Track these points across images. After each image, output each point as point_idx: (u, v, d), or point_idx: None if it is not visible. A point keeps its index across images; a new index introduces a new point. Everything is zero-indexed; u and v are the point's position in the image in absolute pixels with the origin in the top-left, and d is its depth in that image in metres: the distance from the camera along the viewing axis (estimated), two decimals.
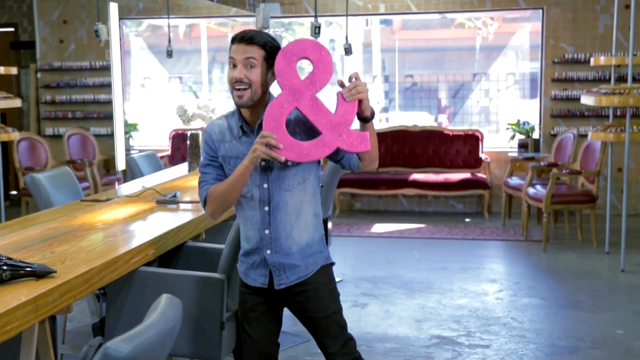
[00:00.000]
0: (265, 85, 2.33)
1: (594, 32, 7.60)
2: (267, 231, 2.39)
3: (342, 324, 2.52)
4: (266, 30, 7.61)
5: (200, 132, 5.18)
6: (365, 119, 2.29)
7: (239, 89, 2.30)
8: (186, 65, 9.43)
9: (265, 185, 2.35)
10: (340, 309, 2.52)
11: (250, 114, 2.37)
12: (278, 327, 2.56)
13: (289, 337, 4.17)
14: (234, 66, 2.31)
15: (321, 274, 2.48)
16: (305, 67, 8.68)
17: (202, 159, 2.47)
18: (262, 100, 2.35)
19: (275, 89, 2.36)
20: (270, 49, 2.32)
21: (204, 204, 2.43)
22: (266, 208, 2.38)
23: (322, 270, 2.48)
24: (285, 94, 2.24)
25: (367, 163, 2.37)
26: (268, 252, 2.41)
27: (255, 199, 2.38)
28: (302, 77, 2.25)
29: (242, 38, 2.31)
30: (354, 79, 2.24)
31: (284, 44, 9.66)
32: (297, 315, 2.53)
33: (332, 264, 2.54)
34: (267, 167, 2.35)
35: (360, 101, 2.24)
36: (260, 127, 2.31)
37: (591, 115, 7.66)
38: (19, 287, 2.12)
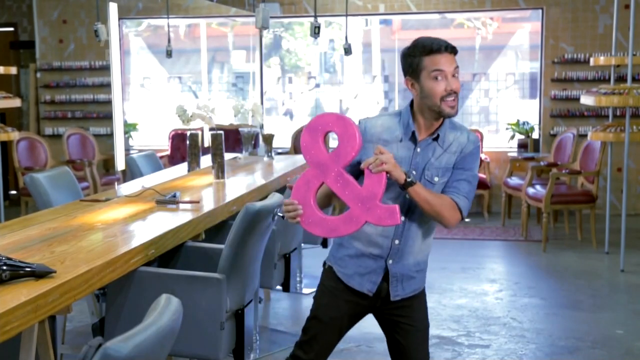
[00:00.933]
0: None
1: (594, 32, 7.60)
2: (397, 241, 2.39)
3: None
4: (265, 31, 7.62)
5: (199, 132, 5.18)
6: (402, 187, 2.25)
7: (453, 100, 2.28)
8: (186, 65, 9.43)
9: (408, 195, 2.30)
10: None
11: (426, 125, 2.35)
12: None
13: (288, 337, 4.17)
14: (440, 78, 2.27)
15: (423, 290, 2.55)
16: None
17: None
18: None
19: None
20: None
21: None
22: (403, 218, 2.34)
23: (423, 289, 2.55)
24: (311, 170, 2.24)
25: (438, 219, 2.34)
26: (390, 261, 2.41)
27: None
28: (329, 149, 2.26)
29: (448, 47, 2.28)
30: (378, 152, 2.19)
31: (284, 44, 9.60)
32: (391, 325, 2.52)
33: None
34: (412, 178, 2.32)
35: (389, 172, 2.19)
36: (428, 139, 2.35)
37: (591, 115, 7.67)
38: (18, 287, 2.12)
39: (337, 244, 2.51)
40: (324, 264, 2.56)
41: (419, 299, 2.52)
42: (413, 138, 2.35)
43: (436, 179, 2.35)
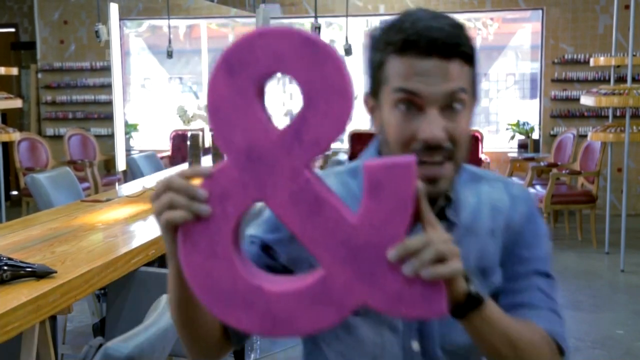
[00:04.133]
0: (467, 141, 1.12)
1: (594, 32, 7.60)
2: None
3: None
4: None
5: (200, 133, 5.18)
6: (460, 311, 1.02)
7: (433, 162, 1.07)
8: (186, 65, 9.44)
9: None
10: None
11: None
12: None
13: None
14: (409, 107, 1.07)
15: None
16: None
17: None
18: None
19: None
20: (473, 59, 1.10)
21: None
22: (414, 345, 1.18)
23: None
24: (231, 167, 0.92)
25: None
26: None
27: (396, 328, 1.18)
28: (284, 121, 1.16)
29: (440, 46, 1.05)
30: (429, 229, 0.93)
31: None
32: None
33: None
34: None
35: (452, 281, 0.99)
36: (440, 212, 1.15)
37: (591, 116, 7.67)
38: (19, 287, 2.12)
39: None
40: None
41: None
42: None
43: None
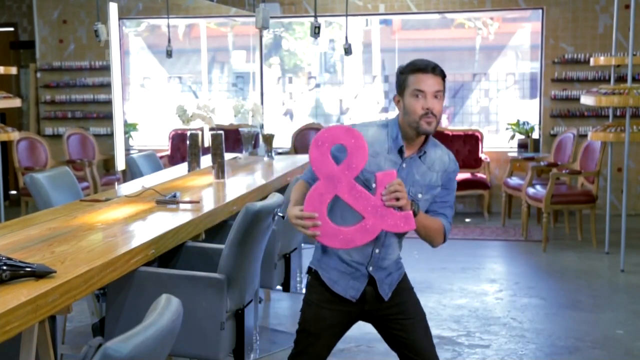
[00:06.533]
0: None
1: (594, 32, 7.60)
2: (377, 250, 2.46)
3: None
4: (265, 31, 7.62)
5: (199, 132, 5.17)
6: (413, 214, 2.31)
7: (429, 118, 2.35)
8: (186, 65, 9.43)
9: None
10: None
11: (410, 141, 2.43)
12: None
13: (288, 337, 4.17)
14: (419, 97, 2.35)
15: (406, 280, 2.62)
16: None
17: None
18: None
19: None
20: (444, 78, 2.41)
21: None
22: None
23: (405, 277, 2.62)
24: (323, 183, 2.24)
25: (427, 241, 2.47)
26: (371, 268, 2.48)
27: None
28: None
29: (432, 69, 2.36)
30: (396, 184, 2.21)
31: (284, 44, 9.56)
32: (389, 325, 2.56)
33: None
34: None
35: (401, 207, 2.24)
36: (414, 156, 2.42)
37: (591, 115, 7.67)
38: (18, 287, 2.12)
39: (319, 248, 2.54)
40: (309, 269, 2.57)
41: (406, 290, 2.59)
42: (400, 153, 2.43)
43: (420, 195, 2.43)
